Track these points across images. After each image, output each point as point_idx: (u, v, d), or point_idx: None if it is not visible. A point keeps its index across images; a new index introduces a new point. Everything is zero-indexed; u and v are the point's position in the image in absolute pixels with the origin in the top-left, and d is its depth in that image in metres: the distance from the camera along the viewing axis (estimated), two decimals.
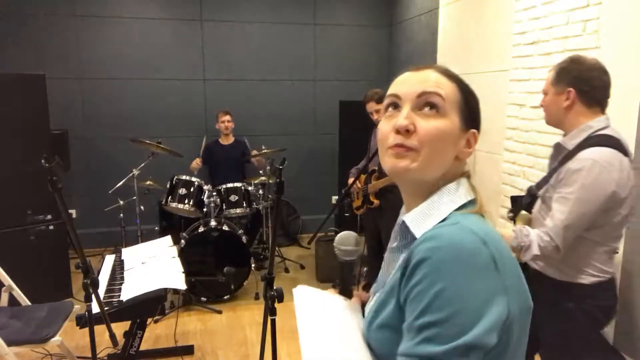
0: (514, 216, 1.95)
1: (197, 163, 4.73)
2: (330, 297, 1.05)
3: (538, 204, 1.84)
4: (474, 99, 0.86)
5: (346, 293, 1.07)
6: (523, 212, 1.90)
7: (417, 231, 0.79)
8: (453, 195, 0.81)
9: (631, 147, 2.42)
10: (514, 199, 2.11)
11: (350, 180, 3.46)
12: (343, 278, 1.09)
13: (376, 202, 3.43)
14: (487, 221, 0.79)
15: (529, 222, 1.89)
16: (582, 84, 1.69)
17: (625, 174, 1.63)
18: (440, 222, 0.78)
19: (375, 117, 3.42)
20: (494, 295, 0.68)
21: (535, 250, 1.68)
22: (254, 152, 4.82)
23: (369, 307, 0.91)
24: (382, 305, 0.81)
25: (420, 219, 0.80)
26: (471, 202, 0.82)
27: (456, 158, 0.83)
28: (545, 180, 1.80)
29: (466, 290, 0.67)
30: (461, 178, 0.84)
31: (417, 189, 0.84)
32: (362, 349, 0.85)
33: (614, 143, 1.65)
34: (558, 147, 1.80)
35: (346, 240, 1.08)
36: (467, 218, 0.76)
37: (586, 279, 1.71)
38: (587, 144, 1.66)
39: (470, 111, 0.84)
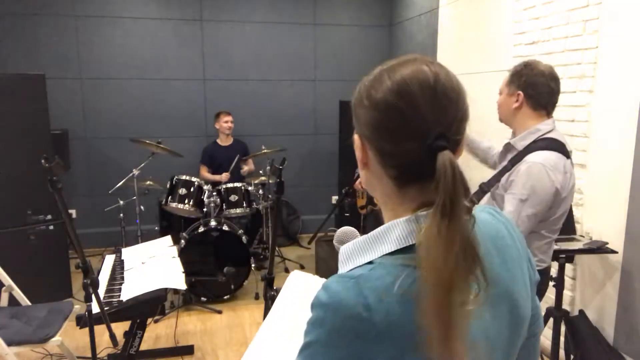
0: None
1: (226, 176, 4.61)
2: None
3: (485, 199, 1.96)
4: (352, 99, 0.77)
5: None
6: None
7: (340, 269, 0.75)
8: (390, 236, 0.71)
9: (631, 147, 2.43)
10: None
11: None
12: None
13: None
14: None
15: None
16: (530, 88, 1.81)
17: (567, 175, 1.77)
18: (359, 266, 0.71)
19: None
20: None
21: None
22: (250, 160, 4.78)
23: None
24: None
25: (348, 257, 0.74)
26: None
27: (363, 168, 0.77)
28: (495, 178, 1.91)
29: (326, 355, 0.68)
30: (420, 212, 0.70)
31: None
32: None
33: (558, 146, 1.78)
34: (508, 146, 1.92)
35: (344, 236, 1.10)
36: (378, 272, 0.68)
37: None
38: (535, 146, 1.79)
39: (353, 115, 0.77)
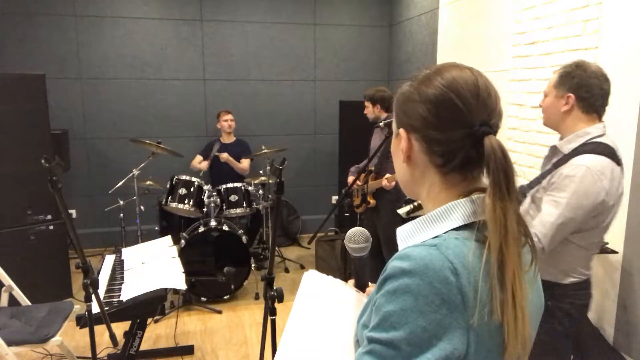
0: None
1: (204, 166, 4.64)
2: (339, 287, 1.07)
3: (527, 202, 1.87)
4: (395, 100, 0.85)
5: (360, 287, 1.10)
6: None
7: (402, 245, 0.79)
8: (454, 214, 0.76)
9: (631, 147, 2.43)
10: None
11: (350, 179, 3.47)
12: (356, 273, 1.11)
13: (372, 202, 3.44)
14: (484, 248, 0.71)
15: None
16: (583, 90, 1.70)
17: (615, 183, 1.65)
18: (426, 240, 0.75)
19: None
20: (448, 330, 0.67)
21: None
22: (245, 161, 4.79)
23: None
24: (367, 305, 0.82)
25: (411, 233, 0.79)
26: (480, 226, 0.74)
27: (406, 160, 0.82)
28: (537, 181, 1.82)
29: (415, 320, 0.66)
30: (473, 196, 0.77)
31: (422, 204, 0.86)
32: (343, 343, 0.88)
33: (608, 151, 1.67)
34: (554, 149, 1.82)
35: (355, 237, 1.10)
36: (453, 242, 0.71)
37: (566, 280, 1.77)
38: (582, 149, 1.68)
39: (395, 114, 0.85)
